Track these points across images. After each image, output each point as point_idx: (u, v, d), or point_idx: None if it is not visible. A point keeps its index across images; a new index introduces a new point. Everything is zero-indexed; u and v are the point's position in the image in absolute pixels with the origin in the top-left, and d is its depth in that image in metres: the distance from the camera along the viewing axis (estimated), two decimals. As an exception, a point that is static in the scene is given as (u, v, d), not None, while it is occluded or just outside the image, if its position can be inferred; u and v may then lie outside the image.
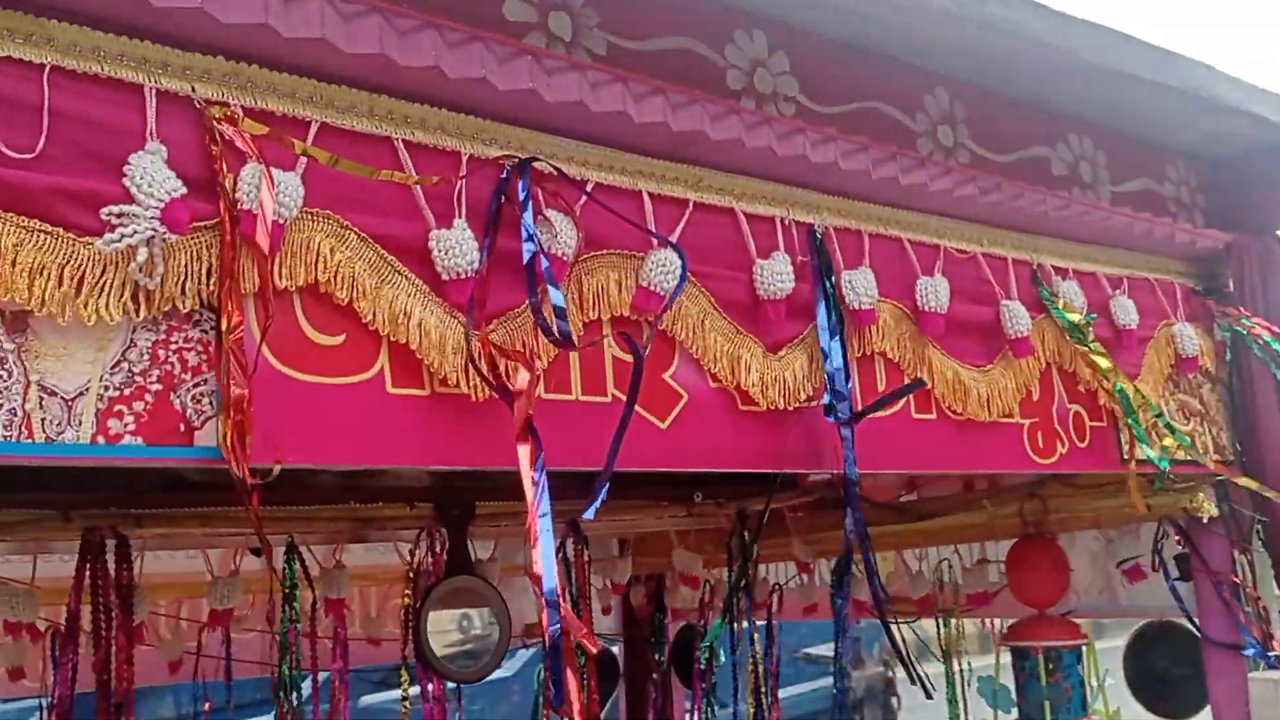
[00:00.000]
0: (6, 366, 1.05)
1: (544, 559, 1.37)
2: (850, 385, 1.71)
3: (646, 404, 1.53)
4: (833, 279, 1.69)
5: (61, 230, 1.07)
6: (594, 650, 1.52)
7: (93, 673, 2.01)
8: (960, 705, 2.68)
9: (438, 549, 2.42)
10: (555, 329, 1.35)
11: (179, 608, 2.85)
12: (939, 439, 1.86)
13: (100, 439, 1.09)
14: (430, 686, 2.43)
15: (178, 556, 3.12)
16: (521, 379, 1.32)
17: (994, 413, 1.92)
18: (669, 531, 3.20)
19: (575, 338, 1.42)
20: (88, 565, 1.92)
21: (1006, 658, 2.56)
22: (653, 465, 1.55)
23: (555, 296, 1.35)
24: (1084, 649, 2.44)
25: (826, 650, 7.37)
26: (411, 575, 2.40)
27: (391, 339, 1.30)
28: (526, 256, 1.37)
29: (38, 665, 2.54)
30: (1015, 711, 2.47)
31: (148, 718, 4.21)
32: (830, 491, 3.14)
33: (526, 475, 1.34)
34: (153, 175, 1.10)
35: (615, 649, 3.79)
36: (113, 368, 1.11)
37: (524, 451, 1.33)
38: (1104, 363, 2.02)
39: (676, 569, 2.82)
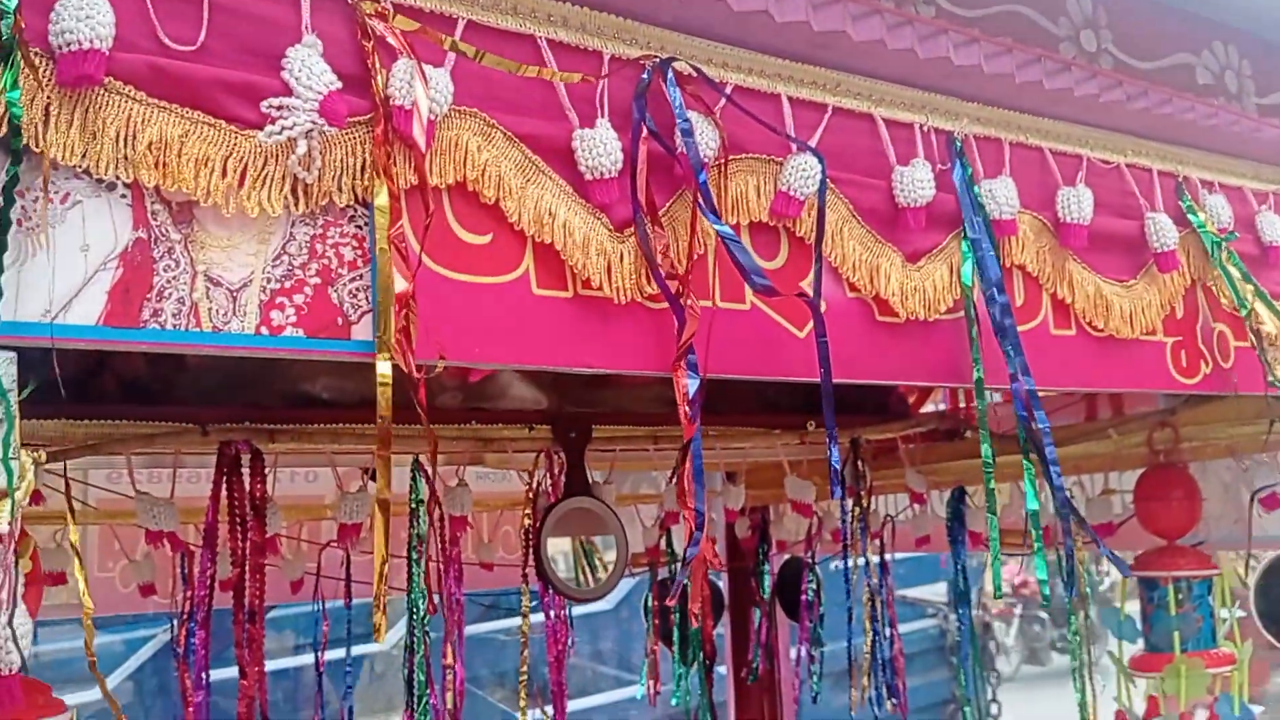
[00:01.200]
0: (174, 256, 1.07)
1: (695, 473, 1.36)
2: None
3: (783, 312, 1.51)
4: (976, 188, 1.64)
5: (224, 123, 1.08)
6: (720, 567, 1.52)
7: (222, 590, 2.08)
8: (1082, 639, 2.63)
9: (555, 471, 2.44)
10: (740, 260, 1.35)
11: (300, 529, 2.92)
12: (1079, 355, 1.80)
13: (264, 330, 1.11)
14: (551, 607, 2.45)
15: (298, 480, 3.21)
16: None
17: (1137, 330, 1.85)
18: (777, 464, 3.18)
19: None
20: (224, 478, 1.97)
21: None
22: (790, 375, 1.53)
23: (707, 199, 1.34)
24: (1214, 580, 2.37)
25: (924, 593, 7.34)
26: (531, 496, 2.42)
27: (536, 239, 1.29)
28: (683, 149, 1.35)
29: (168, 582, 2.62)
30: (1141, 642, 2.42)
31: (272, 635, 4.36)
32: (943, 422, 3.11)
33: (681, 389, 1.34)
34: (310, 68, 1.10)
35: (720, 582, 3.80)
36: (274, 260, 1.12)
37: (687, 367, 1.33)
38: (1243, 280, 1.94)
39: (788, 497, 2.80)
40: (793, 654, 3.52)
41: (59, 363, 1.55)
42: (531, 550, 2.37)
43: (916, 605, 6.95)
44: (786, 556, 3.63)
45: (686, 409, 1.37)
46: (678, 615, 3.35)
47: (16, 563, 1.07)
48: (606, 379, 2.68)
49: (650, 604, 3.47)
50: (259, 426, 2.03)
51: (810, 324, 1.50)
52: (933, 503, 3.15)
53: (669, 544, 3.30)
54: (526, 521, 2.42)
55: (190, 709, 2.09)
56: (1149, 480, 2.46)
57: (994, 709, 7.03)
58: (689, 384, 1.37)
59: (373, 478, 2.60)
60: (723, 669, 3.91)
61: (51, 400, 1.88)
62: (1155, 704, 2.37)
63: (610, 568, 2.51)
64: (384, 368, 1.17)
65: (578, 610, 5.77)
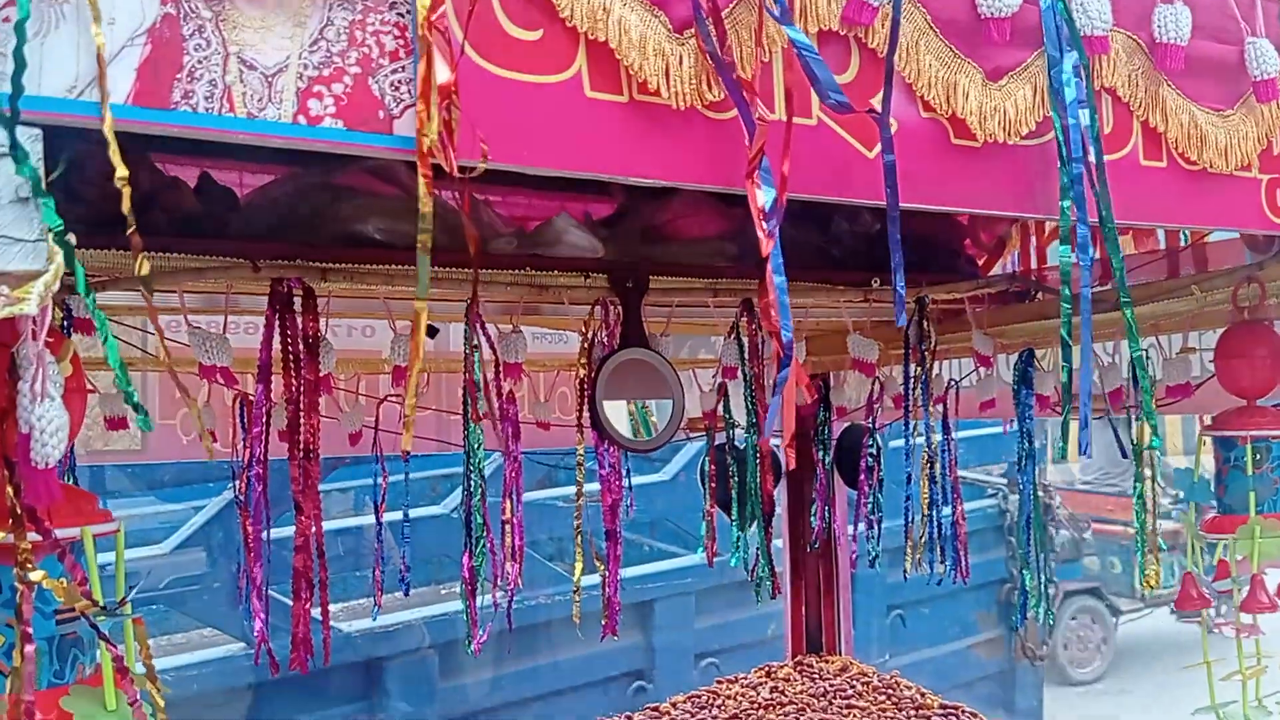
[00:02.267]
0: (205, 35, 1.01)
1: (778, 291, 1.30)
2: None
3: (853, 130, 1.42)
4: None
5: (253, -107, 1.01)
6: (814, 396, 1.48)
7: (281, 440, 2.08)
8: (1149, 502, 2.55)
9: (611, 322, 2.39)
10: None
11: (358, 383, 2.92)
12: (1168, 189, 1.69)
13: (301, 119, 1.05)
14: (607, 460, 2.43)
15: (355, 334, 3.20)
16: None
17: (1231, 164, 1.73)
18: (838, 330, 3.11)
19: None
20: (276, 316, 1.95)
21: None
22: (857, 196, 1.45)
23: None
24: (1296, 441, 2.27)
25: (978, 474, 7.28)
26: (586, 347, 2.38)
27: (589, 36, 1.21)
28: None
29: (229, 431, 2.64)
30: (1215, 504, 2.34)
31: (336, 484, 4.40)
32: (1014, 283, 3.00)
33: (756, 203, 1.27)
34: None
35: (777, 448, 3.77)
36: (311, 46, 1.06)
37: (761, 179, 1.25)
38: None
39: (851, 355, 2.73)
40: (850, 528, 3.49)
41: (104, 194, 1.51)
42: (586, 401, 2.34)
43: (976, 485, 6.88)
44: (847, 424, 3.58)
45: (763, 224, 1.30)
46: (735, 478, 3.33)
47: (52, 360, 1.05)
48: (664, 231, 2.61)
49: (707, 468, 3.45)
50: (311, 265, 2.00)
51: (881, 142, 1.42)
52: (999, 367, 3.07)
53: (726, 409, 3.25)
54: (582, 373, 2.39)
55: (251, 554, 2.12)
56: (1231, 337, 2.35)
57: (1052, 589, 7.02)
58: (764, 197, 1.29)
59: (429, 334, 2.60)
60: (779, 542, 3.91)
61: (101, 232, 1.86)
62: (1225, 567, 2.30)
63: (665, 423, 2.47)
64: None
65: (635, 481, 5.80)
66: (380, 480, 2.95)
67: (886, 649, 6.14)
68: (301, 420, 1.98)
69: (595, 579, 5.41)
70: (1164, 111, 1.66)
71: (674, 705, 3.44)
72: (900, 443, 2.91)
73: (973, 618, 6.85)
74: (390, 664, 4.60)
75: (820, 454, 3.56)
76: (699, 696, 3.47)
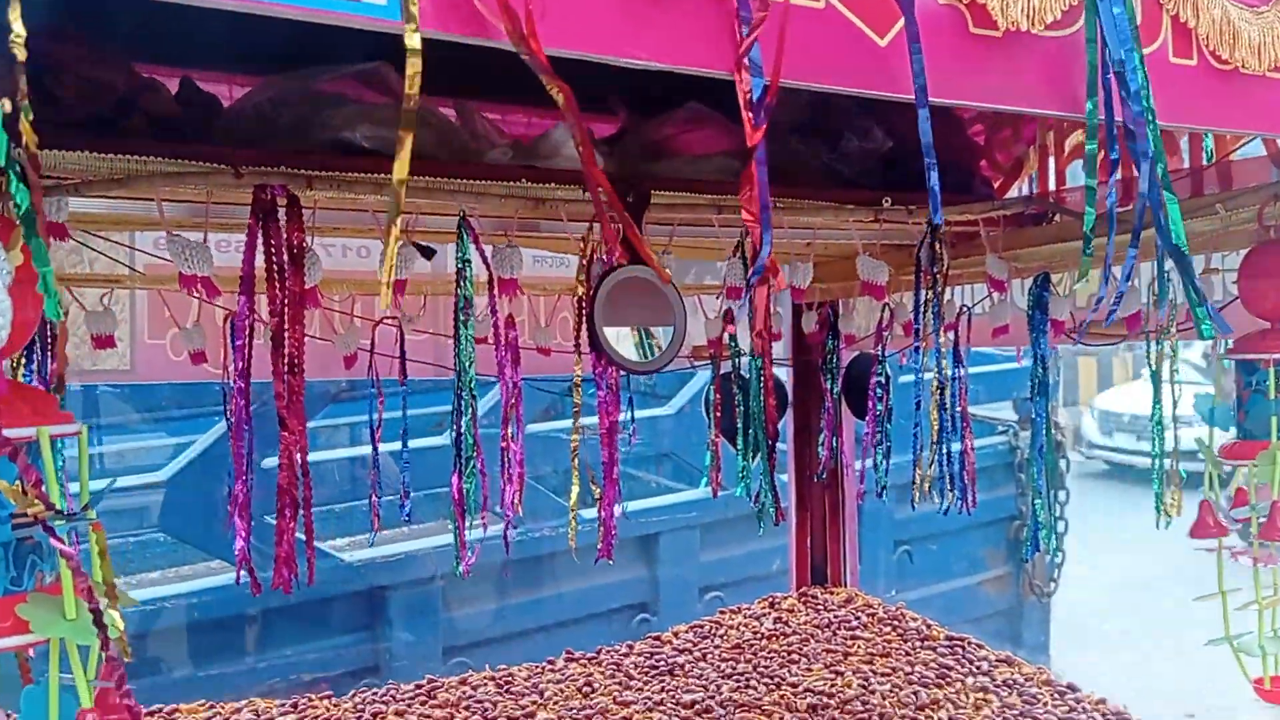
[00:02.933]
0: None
1: (760, 186, 1.22)
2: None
3: (861, 13, 1.32)
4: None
5: None
6: (782, 286, 1.39)
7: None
8: (1169, 430, 2.48)
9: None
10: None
11: (353, 304, 2.84)
12: (1199, 89, 1.59)
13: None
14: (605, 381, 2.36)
15: (350, 254, 3.12)
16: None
17: (1264, 64, 1.63)
18: (847, 258, 3.02)
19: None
20: (259, 225, 1.87)
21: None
22: (867, 87, 1.35)
23: None
24: (1320, 366, 2.18)
25: (989, 410, 7.20)
26: (585, 263, 2.30)
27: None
28: None
29: (218, 352, 2.57)
30: (1234, 430, 2.26)
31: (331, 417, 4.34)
32: (1031, 205, 2.90)
33: (743, 92, 1.18)
34: None
35: (784, 376, 3.69)
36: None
37: (750, 67, 1.16)
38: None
39: (860, 277, 2.64)
40: (858, 464, 3.42)
41: (78, 95, 1.42)
42: (585, 320, 2.26)
43: (986, 422, 6.82)
44: (856, 354, 3.51)
45: (749, 114, 1.22)
46: (741, 407, 3.27)
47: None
48: (667, 147, 2.51)
49: (712, 398, 3.38)
50: (296, 171, 1.91)
51: (894, 28, 1.32)
52: (1013, 293, 2.98)
53: (732, 336, 3.18)
54: (580, 292, 2.31)
55: (235, 473, 2.05)
56: (1256, 257, 2.26)
57: (1061, 526, 6.98)
58: (752, 85, 1.21)
59: (424, 255, 2.51)
60: (784, 477, 3.85)
61: (73, 133, 1.78)
62: (1243, 495, 2.23)
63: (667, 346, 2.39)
64: (413, 41, 1.03)
65: (639, 414, 5.74)
66: (377, 404, 2.89)
67: (893, 584, 6.12)
68: (286, 333, 1.90)
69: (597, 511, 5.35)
70: (1195, 6, 1.56)
71: (676, 634, 3.41)
72: (910, 379, 2.83)
73: (981, 555, 6.83)
74: (393, 593, 4.59)
75: (828, 383, 3.49)
76: (701, 626, 3.44)
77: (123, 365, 2.73)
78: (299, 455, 1.94)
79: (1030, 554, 2.80)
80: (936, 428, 2.79)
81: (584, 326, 2.26)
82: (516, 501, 2.72)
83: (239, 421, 1.95)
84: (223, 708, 2.73)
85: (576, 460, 2.38)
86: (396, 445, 4.37)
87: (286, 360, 1.91)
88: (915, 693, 2.90)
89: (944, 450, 2.81)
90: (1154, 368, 2.54)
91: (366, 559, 4.54)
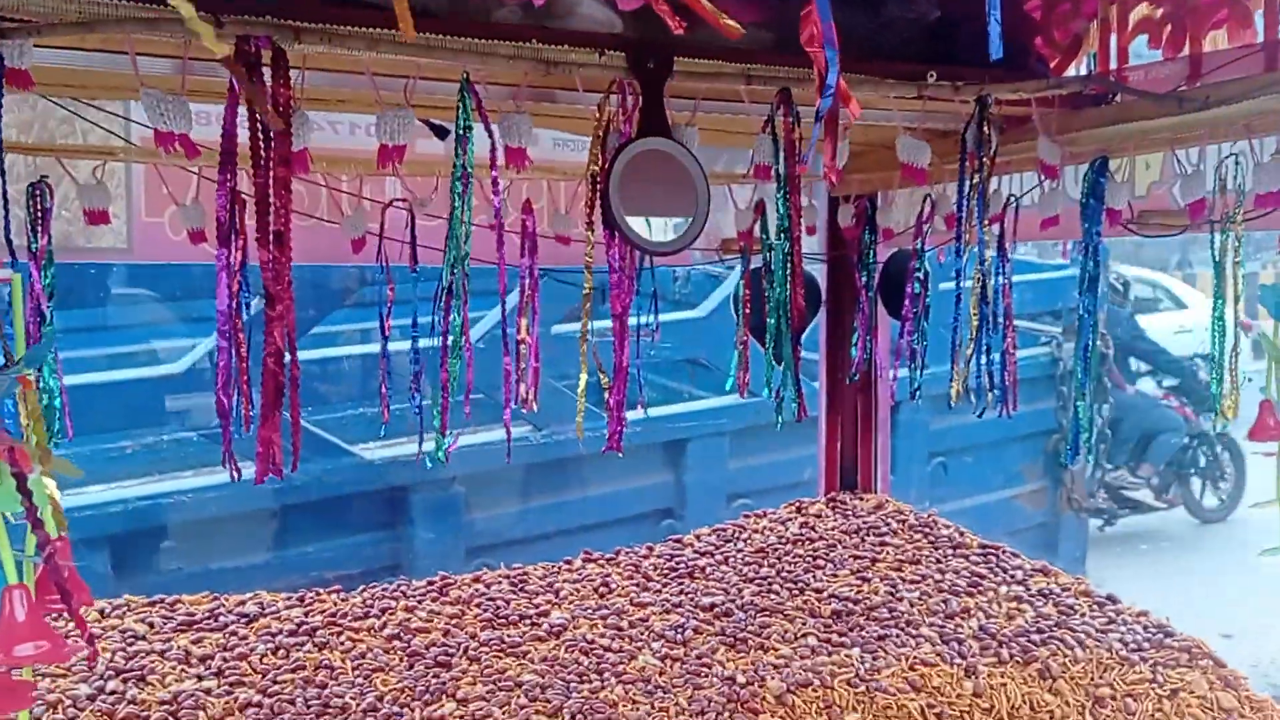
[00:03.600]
0: None
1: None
2: None
3: None
4: None
5: None
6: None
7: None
8: (1229, 325, 2.29)
9: (630, 107, 2.13)
10: None
11: (360, 185, 2.70)
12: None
13: None
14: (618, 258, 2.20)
15: (359, 133, 2.97)
16: None
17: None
18: (886, 145, 2.82)
19: None
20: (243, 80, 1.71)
21: None
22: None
23: None
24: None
25: (1032, 321, 6.98)
26: (600, 134, 2.13)
27: None
28: None
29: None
30: (1304, 325, 2.08)
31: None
32: (1089, 84, 2.67)
33: None
34: None
35: (818, 273, 3.52)
36: None
37: None
38: None
39: (899, 159, 2.45)
40: (892, 373, 3.26)
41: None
42: (599, 195, 2.10)
43: (1029, 333, 6.60)
44: (894, 250, 3.32)
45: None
46: (771, 303, 3.11)
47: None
48: (694, 10, 2.31)
49: (740, 294, 3.22)
50: (282, 22, 1.75)
51: None
52: (1065, 182, 2.77)
53: (764, 228, 3.01)
54: (594, 167, 2.14)
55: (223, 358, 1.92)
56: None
57: (1103, 445, 6.81)
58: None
59: (438, 134, 2.35)
60: (815, 384, 3.71)
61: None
62: (1310, 396, 2.06)
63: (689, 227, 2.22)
64: None
65: (667, 317, 5.60)
66: (387, 291, 2.76)
67: (926, 496, 6.00)
68: (271, 201, 1.76)
69: (630, 415, 5.26)
70: None
71: (698, 537, 3.31)
72: (950, 285, 2.66)
73: (1018, 468, 6.67)
74: (414, 493, 4.52)
75: (863, 280, 3.31)
76: (724, 530, 3.33)
77: (119, 243, 2.61)
78: (285, 334, 1.81)
79: (1070, 459, 2.64)
80: (976, 325, 2.62)
81: (597, 203, 2.10)
82: (532, 398, 2.59)
83: (231, 304, 1.81)
84: (227, 599, 2.66)
85: (585, 347, 2.24)
86: (424, 342, 4.27)
87: (273, 232, 1.77)
88: (945, 600, 2.78)
89: (982, 350, 2.65)
90: (1217, 259, 2.35)
91: (388, 458, 4.46)
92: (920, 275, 3.03)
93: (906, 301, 3.03)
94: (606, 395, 2.28)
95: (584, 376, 2.27)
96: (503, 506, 4.82)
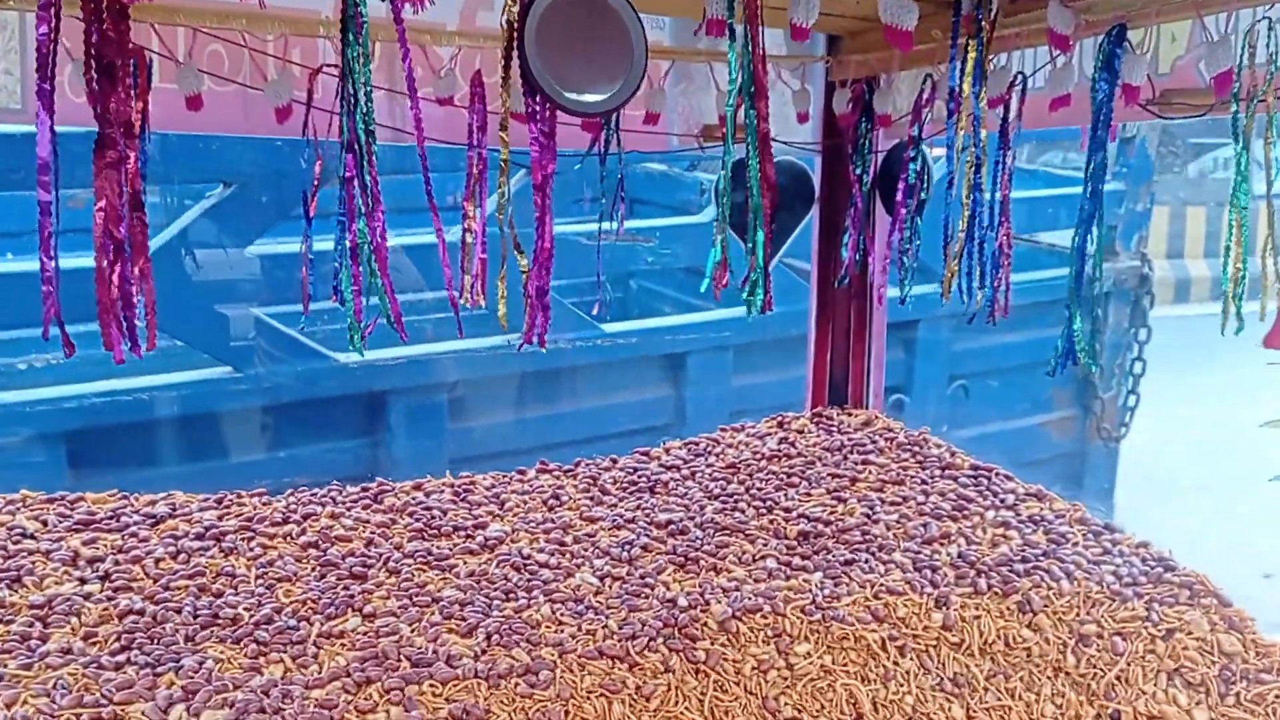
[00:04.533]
0: None
1: None
2: None
3: None
4: None
5: None
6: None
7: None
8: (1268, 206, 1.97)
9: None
10: None
11: (285, 46, 2.43)
12: None
13: None
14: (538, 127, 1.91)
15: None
16: None
17: None
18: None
19: None
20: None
21: None
22: None
23: None
24: None
25: (1066, 239, 6.56)
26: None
27: None
28: None
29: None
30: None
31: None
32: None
33: None
34: None
35: (811, 167, 3.21)
36: None
37: None
38: None
39: (883, 21, 2.13)
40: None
41: None
42: (515, 44, 1.82)
43: (1055, 251, 6.21)
44: (896, 142, 3.00)
45: None
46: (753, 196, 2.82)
47: None
48: None
49: (722, 185, 2.93)
50: None
51: None
52: (1081, 58, 2.44)
53: (749, 113, 2.71)
54: (511, 12, 1.85)
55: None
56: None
57: (1138, 367, 6.43)
58: None
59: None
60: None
61: None
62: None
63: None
64: None
65: (665, 222, 5.29)
66: (315, 170, 2.50)
67: (945, 420, 5.70)
68: (104, 29, 1.50)
69: (626, 325, 4.98)
70: None
71: (667, 450, 3.06)
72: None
73: (1046, 394, 6.33)
74: (394, 399, 4.31)
75: (858, 173, 3.01)
76: (696, 443, 3.08)
77: (12, 103, 2.37)
78: (122, 186, 1.55)
79: (1060, 368, 2.35)
80: (968, 214, 2.31)
81: (511, 55, 1.82)
82: (478, 290, 2.34)
83: (49, 156, 1.55)
84: (136, 499, 2.46)
85: (502, 220, 1.97)
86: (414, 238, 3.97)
87: (102, 64, 1.51)
88: (925, 524, 2.52)
89: (974, 245, 2.35)
90: (1242, 142, 2.02)
91: (365, 362, 4.25)
92: (917, 166, 2.72)
93: (899, 195, 2.73)
94: (524, 280, 2.01)
95: (504, 255, 2.00)
96: (489, 417, 4.60)
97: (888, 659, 2.12)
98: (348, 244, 1.82)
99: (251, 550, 2.28)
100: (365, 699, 1.82)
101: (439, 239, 2.03)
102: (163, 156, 3.56)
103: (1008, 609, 2.23)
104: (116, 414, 3.75)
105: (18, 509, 2.31)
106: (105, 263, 1.54)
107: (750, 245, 2.54)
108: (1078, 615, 2.22)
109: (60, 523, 2.27)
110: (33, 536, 2.21)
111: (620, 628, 2.08)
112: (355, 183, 1.79)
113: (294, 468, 4.01)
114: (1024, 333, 5.86)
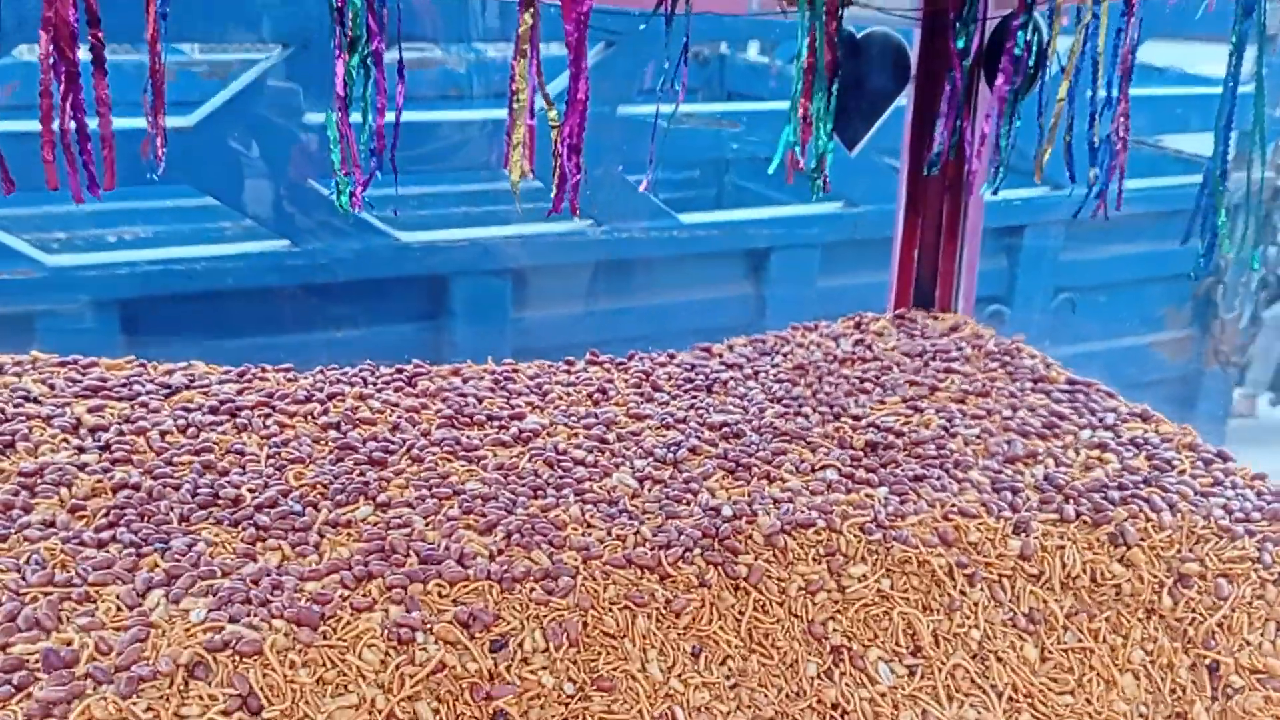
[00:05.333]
0: None
1: None
2: None
3: None
4: None
5: None
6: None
7: None
8: None
9: None
10: None
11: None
12: None
13: None
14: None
15: None
16: None
17: None
18: None
19: None
20: None
21: None
22: None
23: None
24: None
25: (1196, 146, 6.04)
26: None
27: None
28: None
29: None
30: None
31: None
32: None
33: None
34: None
35: (910, 39, 2.87)
36: None
37: None
38: None
39: None
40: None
41: None
42: None
43: (1189, 161, 5.70)
44: (1008, 12, 2.65)
45: None
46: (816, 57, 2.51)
47: None
48: None
49: (803, 55, 2.63)
50: None
51: None
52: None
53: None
54: None
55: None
56: None
57: (1270, 279, 5.93)
58: None
59: None
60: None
61: None
62: None
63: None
64: None
65: (748, 108, 4.94)
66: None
67: (1046, 335, 5.32)
68: None
69: (704, 217, 4.68)
70: None
71: (730, 347, 2.82)
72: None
73: (1160, 312, 5.88)
74: (455, 283, 4.12)
75: (960, 45, 2.66)
76: (763, 341, 2.83)
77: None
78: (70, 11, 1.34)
79: (1203, 273, 2.03)
80: (1068, 85, 1.99)
81: None
82: (527, 166, 2.10)
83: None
84: (153, 367, 2.31)
85: (519, 72, 1.71)
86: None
87: None
88: (1009, 441, 2.25)
89: (1069, 116, 2.03)
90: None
91: (426, 242, 4.06)
92: (1026, 36, 2.38)
93: (1000, 73, 2.40)
94: (554, 138, 1.76)
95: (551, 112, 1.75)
96: (556, 307, 4.39)
97: (954, 587, 1.89)
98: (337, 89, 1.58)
99: (267, 428, 2.12)
100: (363, 595, 1.65)
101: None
102: (211, 14, 3.37)
103: (1097, 540, 1.96)
104: (168, 283, 3.64)
105: (25, 370, 2.19)
106: (55, 90, 1.34)
107: (806, 118, 2.25)
108: (1178, 552, 1.95)
109: (68, 388, 2.14)
110: (36, 400, 2.08)
111: (654, 535, 1.88)
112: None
113: (349, 349, 3.87)
114: (1139, 244, 5.41)
